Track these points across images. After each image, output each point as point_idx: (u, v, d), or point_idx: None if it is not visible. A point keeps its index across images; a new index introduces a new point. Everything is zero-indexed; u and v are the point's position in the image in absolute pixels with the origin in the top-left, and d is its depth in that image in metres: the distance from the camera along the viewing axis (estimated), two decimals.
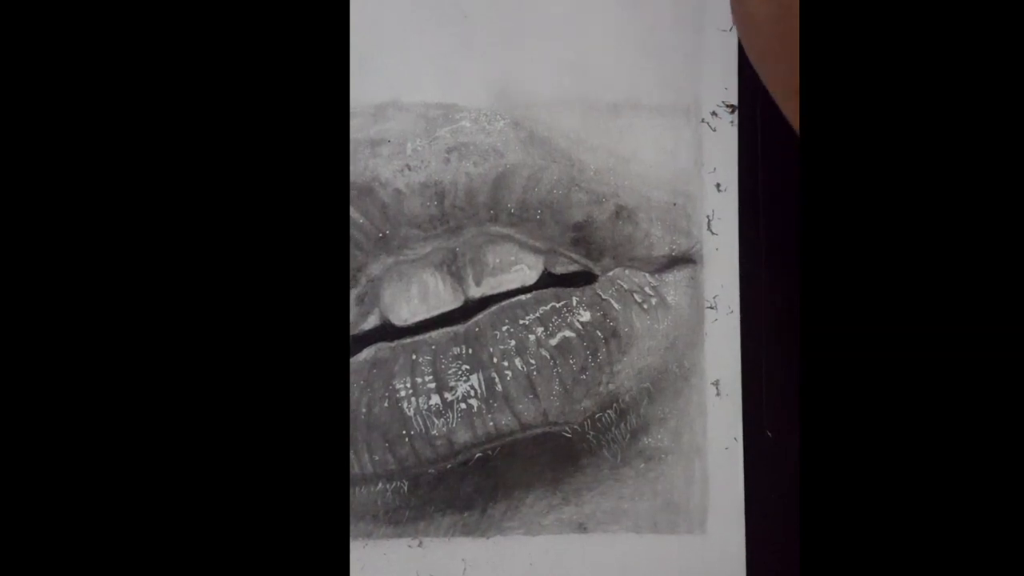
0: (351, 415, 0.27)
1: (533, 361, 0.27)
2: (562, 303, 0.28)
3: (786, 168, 0.28)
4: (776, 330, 0.28)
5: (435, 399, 0.27)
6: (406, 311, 0.28)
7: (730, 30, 0.28)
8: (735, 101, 0.28)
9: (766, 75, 0.23)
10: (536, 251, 0.28)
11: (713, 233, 0.28)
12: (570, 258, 0.28)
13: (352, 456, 0.27)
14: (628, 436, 0.28)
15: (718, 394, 0.28)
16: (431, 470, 0.27)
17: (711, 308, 0.28)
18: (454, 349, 0.27)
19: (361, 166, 0.27)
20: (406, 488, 0.27)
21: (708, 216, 0.28)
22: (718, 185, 0.28)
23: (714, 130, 0.28)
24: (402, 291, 0.28)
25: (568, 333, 0.27)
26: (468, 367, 0.27)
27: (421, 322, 0.28)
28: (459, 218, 0.27)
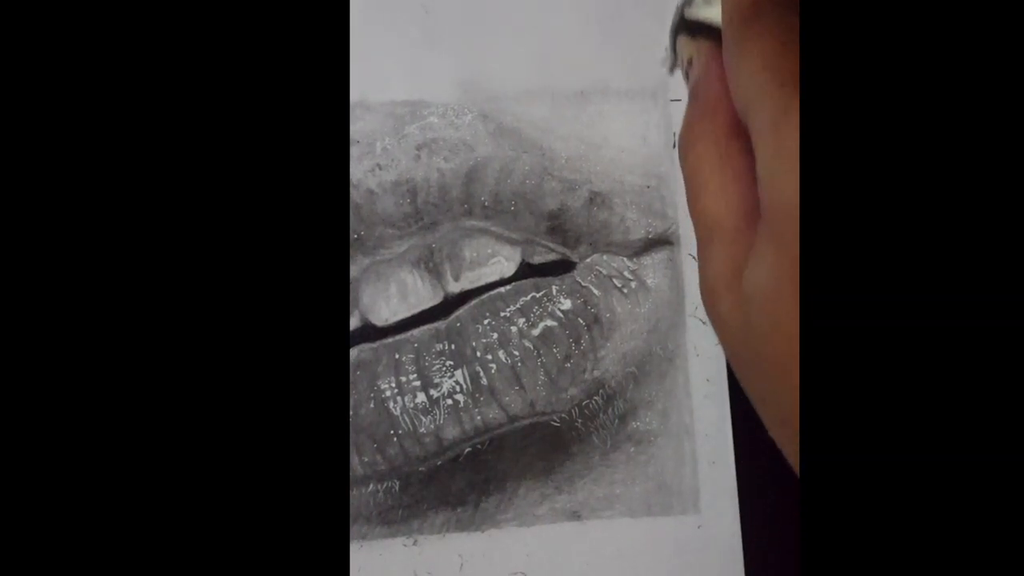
0: None
1: (517, 352, 0.27)
2: (542, 293, 0.27)
3: None
4: None
5: (421, 397, 0.27)
6: (386, 311, 0.28)
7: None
8: None
9: (746, 386, 0.23)
10: (512, 242, 0.28)
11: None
12: (547, 247, 0.28)
13: None
14: (616, 421, 0.28)
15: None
16: (421, 468, 0.27)
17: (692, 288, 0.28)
18: (437, 346, 0.27)
19: None
20: (397, 487, 0.27)
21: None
22: None
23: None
24: (381, 291, 0.28)
25: (550, 322, 0.27)
26: (452, 363, 0.27)
27: (402, 321, 0.28)
28: (433, 214, 0.27)
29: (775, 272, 0.17)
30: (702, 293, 0.21)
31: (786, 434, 0.19)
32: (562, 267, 0.28)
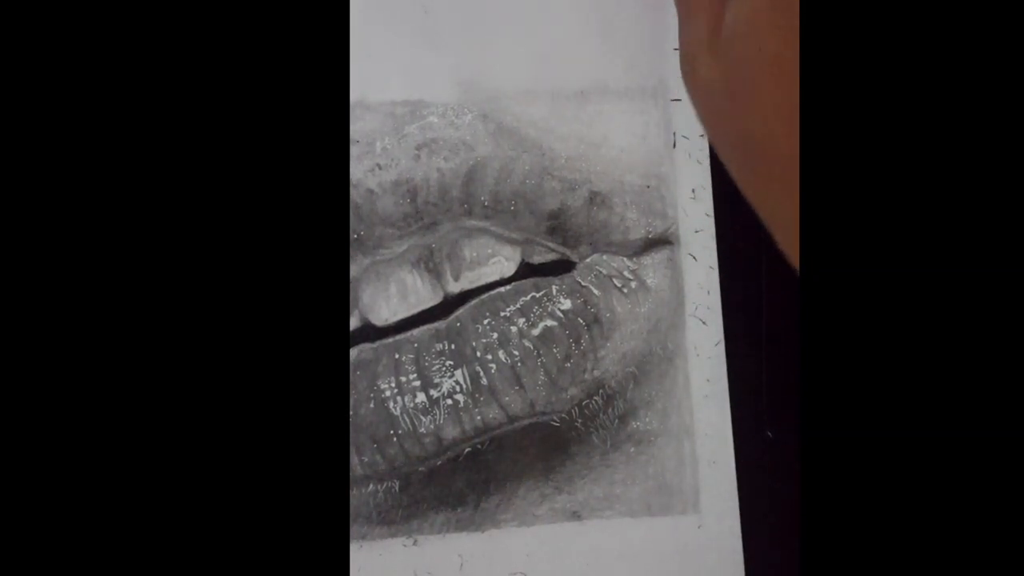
0: None
1: (516, 352, 0.27)
2: (542, 292, 0.27)
3: None
4: (757, 303, 0.28)
5: (421, 397, 0.27)
6: (386, 311, 0.28)
7: None
8: None
9: (728, 160, 0.22)
10: (512, 242, 0.28)
11: (691, 203, 0.28)
12: (547, 247, 0.28)
13: None
14: (616, 421, 0.28)
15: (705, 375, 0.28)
16: (421, 468, 0.27)
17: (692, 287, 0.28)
18: (436, 346, 0.27)
19: None
20: (397, 487, 0.27)
21: (694, 189, 0.28)
22: (688, 154, 0.28)
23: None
24: (381, 291, 0.28)
25: (550, 322, 0.27)
26: (452, 363, 0.27)
27: (402, 321, 0.28)
28: (433, 214, 0.27)
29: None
30: (682, 66, 0.21)
31: (775, 192, 0.19)
32: (562, 267, 0.28)
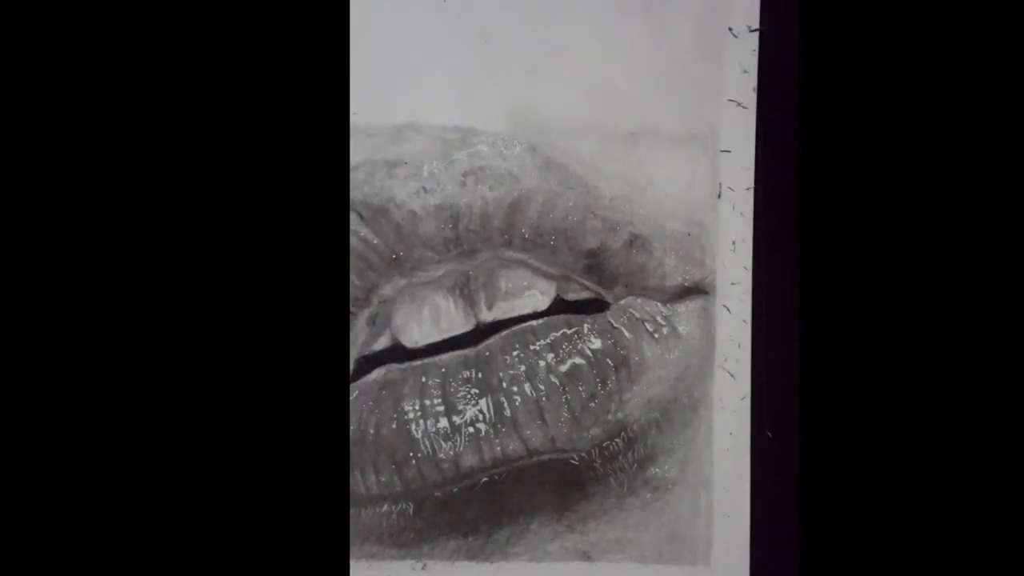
0: (359, 436, 0.27)
1: (542, 387, 0.27)
2: (573, 330, 0.27)
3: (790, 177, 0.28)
4: (787, 363, 0.28)
5: (443, 422, 0.27)
6: (417, 333, 0.28)
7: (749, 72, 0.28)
8: (753, 120, 0.28)
9: None
10: (549, 277, 0.28)
11: (731, 255, 0.28)
12: (582, 285, 0.28)
13: (358, 477, 0.27)
14: (635, 465, 0.28)
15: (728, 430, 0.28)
16: (437, 493, 0.27)
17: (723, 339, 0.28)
18: (464, 372, 0.27)
19: (377, 187, 0.27)
20: (411, 511, 0.27)
21: (734, 241, 0.28)
22: (732, 206, 0.28)
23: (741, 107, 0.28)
24: (414, 313, 0.28)
25: (578, 360, 0.27)
26: (477, 391, 0.27)
27: (432, 344, 0.28)
28: (473, 242, 0.27)
29: None
30: None
31: None
32: (596, 306, 0.28)
